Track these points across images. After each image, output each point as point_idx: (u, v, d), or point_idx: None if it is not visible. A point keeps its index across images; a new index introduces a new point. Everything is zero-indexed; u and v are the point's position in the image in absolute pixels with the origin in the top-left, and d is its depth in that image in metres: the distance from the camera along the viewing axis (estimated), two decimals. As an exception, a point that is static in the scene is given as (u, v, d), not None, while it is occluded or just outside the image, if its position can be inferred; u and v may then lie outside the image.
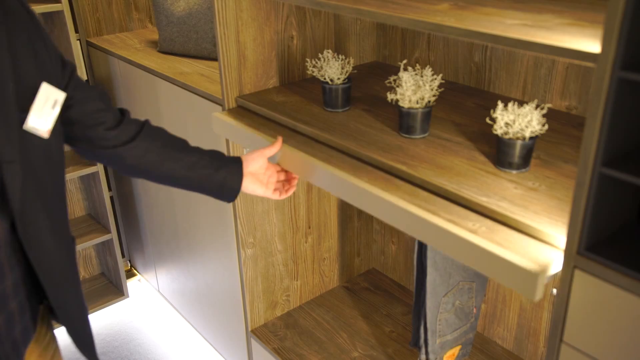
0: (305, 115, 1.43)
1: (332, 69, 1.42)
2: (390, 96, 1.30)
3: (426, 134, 1.29)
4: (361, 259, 2.14)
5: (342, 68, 1.43)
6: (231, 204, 1.72)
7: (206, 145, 1.77)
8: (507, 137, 1.10)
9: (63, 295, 1.04)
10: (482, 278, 1.52)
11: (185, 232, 2.12)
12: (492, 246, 0.93)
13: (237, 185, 1.26)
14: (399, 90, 1.27)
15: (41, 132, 0.95)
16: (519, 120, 1.09)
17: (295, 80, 1.70)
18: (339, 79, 1.42)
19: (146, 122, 1.20)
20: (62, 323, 1.06)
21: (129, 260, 2.78)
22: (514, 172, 1.12)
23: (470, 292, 1.52)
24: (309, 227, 1.92)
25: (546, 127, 1.11)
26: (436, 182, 1.09)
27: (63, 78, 1.03)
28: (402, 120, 1.28)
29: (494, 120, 1.13)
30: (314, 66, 1.48)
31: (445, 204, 1.06)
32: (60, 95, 0.98)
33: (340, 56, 1.47)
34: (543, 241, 0.94)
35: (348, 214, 2.01)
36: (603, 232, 0.84)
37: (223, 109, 1.61)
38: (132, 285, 2.69)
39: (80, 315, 1.11)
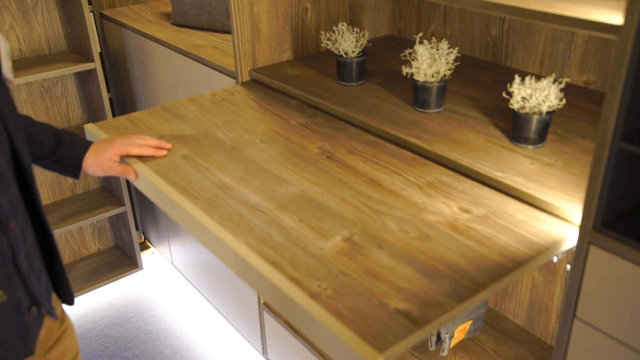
0: (319, 89, 1.42)
1: (347, 42, 1.40)
2: (405, 70, 1.28)
3: (441, 109, 1.28)
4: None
5: (357, 41, 1.42)
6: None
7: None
8: (523, 111, 1.08)
9: (61, 259, 1.07)
10: None
11: (199, 205, 2.13)
12: (330, 319, 0.75)
13: (74, 172, 1.20)
14: (414, 63, 1.25)
15: (8, 83, 0.95)
16: (536, 95, 1.07)
17: (309, 54, 1.69)
18: (353, 52, 1.40)
19: None
20: (63, 282, 1.09)
21: (143, 233, 2.81)
22: (530, 147, 1.10)
23: None
24: (322, 202, 1.92)
25: (563, 101, 1.10)
26: (451, 157, 1.08)
27: None
28: (417, 94, 1.27)
29: (510, 94, 1.12)
30: (329, 39, 1.46)
31: (295, 258, 0.88)
32: (6, 45, 0.99)
33: (355, 29, 1.46)
34: (558, 217, 0.93)
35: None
36: (619, 208, 0.84)
37: (237, 82, 1.60)
38: (146, 257, 2.72)
39: (58, 262, 1.11)
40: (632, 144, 0.75)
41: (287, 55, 1.65)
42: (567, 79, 1.17)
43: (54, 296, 1.08)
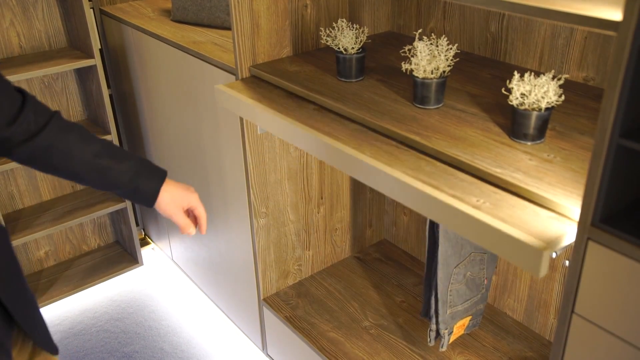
0: (319, 85, 1.42)
1: (346, 39, 1.40)
2: (404, 66, 1.28)
3: (440, 105, 1.28)
4: (373, 230, 2.15)
5: (357, 37, 1.42)
6: (243, 175, 1.73)
7: (222, 116, 1.77)
8: (522, 108, 1.08)
9: (8, 290, 0.99)
10: None
11: (199, 201, 2.13)
12: (496, 222, 0.92)
13: (147, 203, 1.14)
14: (413, 60, 1.25)
15: None
16: (535, 91, 1.07)
17: (309, 50, 1.69)
18: (353, 48, 1.41)
19: (55, 115, 1.04)
20: (14, 316, 1.01)
21: (143, 229, 2.81)
22: (529, 143, 1.11)
23: (482, 263, 1.52)
24: (321, 198, 1.92)
25: (562, 98, 1.10)
26: (450, 153, 1.09)
27: None
28: (417, 91, 1.27)
29: (509, 90, 1.12)
30: (328, 35, 1.46)
31: (449, 179, 1.05)
32: None
33: (354, 25, 1.46)
34: (557, 213, 0.94)
35: (360, 184, 2.01)
36: (618, 205, 0.84)
37: (237, 79, 1.60)
38: (146, 253, 2.72)
39: (29, 309, 1.06)
40: (631, 140, 0.75)
41: (286, 51, 1.65)
42: (566, 76, 1.18)
43: (19, 339, 1.05)
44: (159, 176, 1.14)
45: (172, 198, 1.16)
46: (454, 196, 0.99)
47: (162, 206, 1.16)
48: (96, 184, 1.09)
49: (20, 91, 1.01)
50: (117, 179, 1.08)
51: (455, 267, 1.45)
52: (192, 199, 1.20)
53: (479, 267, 1.52)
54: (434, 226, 1.40)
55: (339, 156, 1.19)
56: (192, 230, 1.20)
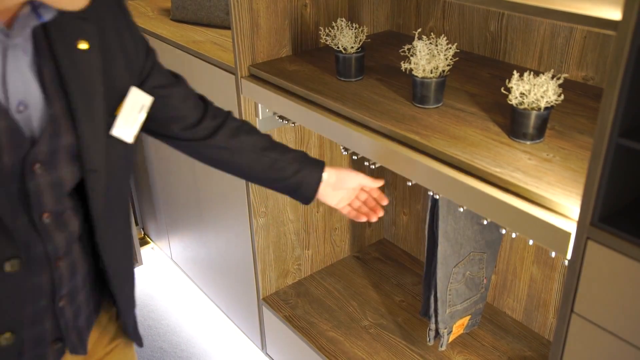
0: (318, 85, 1.42)
1: (346, 38, 1.40)
2: (404, 65, 1.28)
3: (440, 104, 1.28)
4: (372, 229, 2.15)
5: (356, 37, 1.42)
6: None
7: (218, 115, 1.77)
8: (522, 107, 1.08)
9: (124, 292, 1.04)
10: (493, 248, 1.52)
11: (198, 201, 2.13)
12: (528, 207, 0.96)
13: (311, 193, 1.19)
14: (413, 59, 1.25)
15: (126, 138, 0.90)
16: (534, 91, 1.07)
17: (308, 49, 1.69)
18: (352, 47, 1.40)
19: (228, 116, 1.13)
20: (122, 315, 1.06)
21: (142, 229, 2.81)
22: (528, 142, 1.11)
23: (481, 263, 1.52)
24: (321, 197, 1.92)
25: (562, 97, 1.10)
26: (449, 153, 1.09)
27: (144, 69, 0.96)
28: (416, 90, 1.27)
29: (509, 90, 1.12)
30: (327, 35, 1.46)
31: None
32: (147, 100, 0.93)
33: (353, 25, 1.45)
34: (556, 212, 0.94)
35: (360, 184, 2.01)
36: (617, 204, 0.84)
37: (236, 78, 1.60)
38: (145, 253, 2.72)
39: (133, 307, 1.11)
40: (630, 139, 0.75)
41: (286, 50, 1.65)
42: (565, 75, 1.17)
43: (103, 322, 1.06)
44: (320, 165, 1.19)
45: (334, 185, 1.20)
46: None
47: (323, 197, 1.21)
48: (264, 178, 1.16)
49: (202, 98, 1.11)
50: (284, 171, 1.15)
51: (454, 267, 1.45)
52: (357, 180, 1.22)
53: (478, 266, 1.52)
54: (433, 225, 1.40)
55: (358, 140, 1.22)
56: (363, 219, 1.24)
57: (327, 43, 1.45)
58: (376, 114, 1.26)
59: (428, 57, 1.24)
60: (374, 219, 1.27)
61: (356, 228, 2.09)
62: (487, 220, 1.21)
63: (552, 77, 1.10)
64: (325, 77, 1.47)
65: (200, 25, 2.08)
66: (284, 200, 1.83)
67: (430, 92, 1.25)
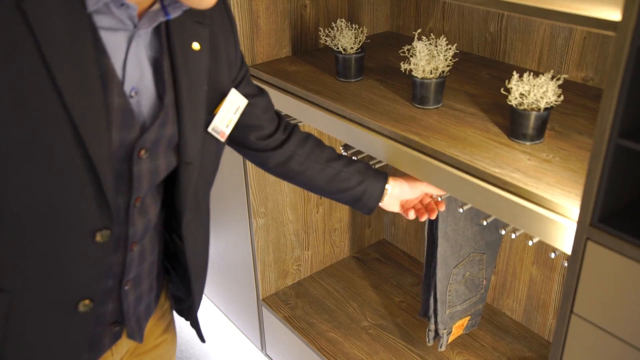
0: (318, 85, 1.42)
1: (346, 39, 1.40)
2: (403, 66, 1.28)
3: (439, 105, 1.28)
4: (372, 230, 2.15)
5: (356, 38, 1.42)
6: (242, 174, 1.73)
7: (218, 115, 1.77)
8: (521, 108, 1.08)
9: (198, 284, 1.07)
10: (493, 249, 1.52)
11: (197, 201, 2.13)
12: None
13: (374, 204, 1.21)
14: (412, 60, 1.25)
15: (220, 136, 0.96)
16: (534, 91, 1.07)
17: (308, 50, 1.69)
18: (352, 48, 1.41)
19: (295, 128, 1.18)
20: (194, 308, 1.10)
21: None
22: (528, 143, 1.11)
23: (481, 264, 1.52)
24: (320, 198, 1.92)
25: (561, 98, 1.10)
26: (449, 153, 1.09)
27: (238, 76, 1.02)
28: (416, 91, 1.27)
29: (508, 90, 1.12)
30: (327, 35, 1.46)
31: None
32: (243, 102, 1.00)
33: (353, 25, 1.46)
34: (556, 213, 0.94)
35: (359, 185, 2.01)
36: (616, 204, 0.84)
37: (235, 79, 1.60)
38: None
39: (200, 302, 1.14)
40: (630, 140, 0.75)
41: (286, 51, 1.65)
42: (565, 76, 1.17)
43: (158, 314, 1.09)
44: (383, 176, 1.20)
45: (398, 195, 1.21)
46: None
47: (387, 206, 1.22)
48: (328, 188, 1.18)
49: (277, 113, 1.16)
50: (347, 181, 1.17)
51: (454, 268, 1.45)
52: (421, 189, 1.23)
53: (478, 267, 1.52)
54: (432, 226, 1.40)
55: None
56: (412, 217, 1.25)
57: (327, 44, 1.45)
58: (376, 114, 1.26)
59: (428, 58, 1.24)
60: (425, 217, 1.25)
61: (356, 229, 2.09)
62: (486, 221, 1.21)
63: (552, 78, 1.10)
64: (325, 77, 1.47)
65: (200, 25, 2.08)
66: (284, 200, 1.83)
67: (430, 92, 1.25)
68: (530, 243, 1.06)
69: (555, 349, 0.95)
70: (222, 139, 0.97)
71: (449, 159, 1.09)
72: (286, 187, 1.81)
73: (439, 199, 1.25)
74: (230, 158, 1.78)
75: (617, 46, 0.72)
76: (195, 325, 1.16)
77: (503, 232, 1.14)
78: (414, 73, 1.25)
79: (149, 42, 0.82)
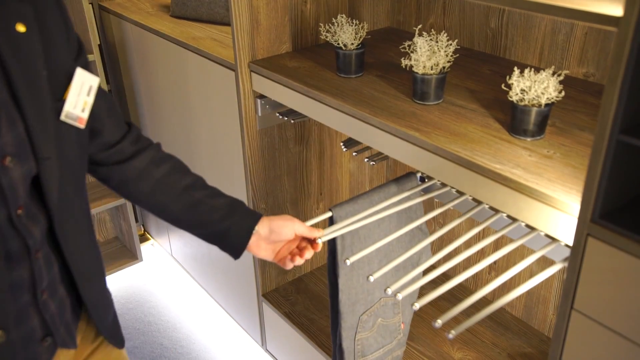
0: (318, 81, 1.42)
1: (346, 34, 1.40)
2: (404, 62, 1.28)
3: (440, 101, 1.28)
4: (372, 226, 2.15)
5: (356, 33, 1.41)
6: (243, 168, 1.72)
7: (218, 110, 1.77)
8: (522, 103, 1.08)
9: (92, 289, 0.99)
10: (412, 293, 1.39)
11: (198, 197, 2.13)
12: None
13: (239, 244, 1.07)
14: (413, 55, 1.25)
15: (78, 123, 0.87)
16: (535, 87, 1.07)
17: (308, 46, 1.69)
18: (352, 44, 1.40)
19: (152, 146, 1.06)
20: (91, 314, 1.00)
21: (143, 225, 2.81)
22: (529, 139, 1.11)
23: (396, 308, 1.42)
24: (321, 194, 1.92)
25: (562, 94, 1.10)
26: (449, 149, 1.08)
27: (78, 62, 0.90)
28: (416, 87, 1.27)
29: (509, 86, 1.12)
30: (328, 31, 1.46)
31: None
32: (94, 81, 0.89)
33: (354, 21, 1.45)
34: (557, 209, 0.94)
35: (360, 180, 2.01)
36: (617, 201, 0.84)
37: (236, 74, 1.60)
38: (145, 249, 2.72)
39: (107, 306, 1.05)
40: (631, 136, 0.75)
41: (286, 47, 1.64)
42: (566, 71, 1.17)
43: (84, 319, 1.03)
44: (254, 217, 1.08)
45: (267, 238, 1.08)
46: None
47: (255, 250, 1.09)
48: (186, 219, 1.05)
49: (128, 123, 1.04)
50: (208, 215, 1.05)
51: (363, 314, 1.34)
52: (293, 230, 1.10)
53: (392, 311, 1.40)
54: (335, 269, 1.29)
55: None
56: (290, 265, 1.10)
57: (327, 39, 1.44)
58: (376, 110, 1.25)
59: (428, 54, 1.24)
60: (297, 262, 1.10)
61: (356, 225, 2.09)
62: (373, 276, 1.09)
63: (553, 74, 1.10)
64: (325, 73, 1.47)
65: (200, 21, 2.07)
66: (284, 196, 1.82)
67: (431, 88, 1.25)
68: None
69: (555, 344, 0.95)
70: (82, 126, 0.87)
71: (450, 154, 1.08)
72: (286, 183, 1.81)
73: (317, 241, 1.12)
74: (231, 152, 1.78)
75: (619, 42, 0.71)
76: (107, 333, 1.05)
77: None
78: (414, 69, 1.25)
79: None
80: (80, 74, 0.87)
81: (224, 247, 1.09)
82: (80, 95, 0.87)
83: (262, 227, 1.08)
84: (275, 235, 1.09)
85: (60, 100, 0.84)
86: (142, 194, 1.04)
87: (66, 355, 0.97)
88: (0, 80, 0.75)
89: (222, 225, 1.06)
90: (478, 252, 1.74)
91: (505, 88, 1.19)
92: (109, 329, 1.05)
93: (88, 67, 0.92)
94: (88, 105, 0.88)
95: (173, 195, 1.04)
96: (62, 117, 0.85)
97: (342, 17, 1.46)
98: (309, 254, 1.11)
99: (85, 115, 0.88)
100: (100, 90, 0.94)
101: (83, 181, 0.94)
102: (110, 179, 1.03)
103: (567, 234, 0.93)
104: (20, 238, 0.81)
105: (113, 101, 1.02)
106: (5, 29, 0.75)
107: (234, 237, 1.07)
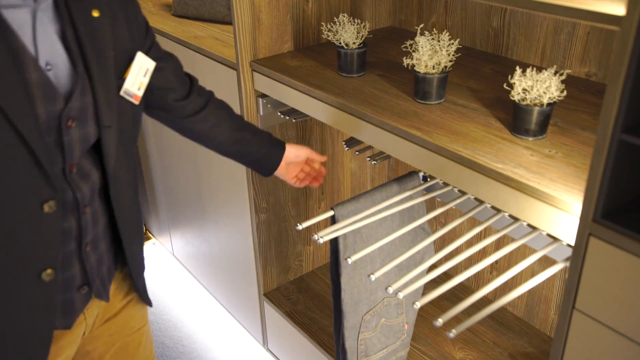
0: (320, 80, 1.42)
1: (348, 34, 1.40)
2: (406, 61, 1.28)
3: (442, 100, 1.28)
4: (374, 226, 2.15)
5: (358, 32, 1.41)
6: (244, 170, 1.73)
7: (220, 110, 1.77)
8: (524, 103, 1.08)
9: (132, 247, 1.11)
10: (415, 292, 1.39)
11: (200, 196, 2.13)
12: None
13: (275, 165, 1.35)
14: (415, 55, 1.25)
15: (133, 99, 1.01)
16: (537, 86, 1.07)
17: (310, 45, 1.69)
18: (354, 43, 1.40)
19: (211, 96, 1.26)
20: (130, 269, 1.13)
21: (144, 224, 2.82)
22: (531, 139, 1.10)
23: (400, 307, 1.41)
24: (322, 193, 1.92)
25: (564, 93, 1.10)
26: (451, 149, 1.08)
27: (146, 41, 1.07)
28: (418, 86, 1.27)
29: (511, 86, 1.12)
30: (329, 30, 1.46)
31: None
32: (151, 65, 1.04)
33: (355, 20, 1.45)
34: (558, 208, 0.93)
35: (361, 180, 2.01)
36: (619, 200, 0.84)
37: (238, 74, 1.60)
38: (147, 248, 2.73)
39: (142, 267, 1.19)
40: (633, 135, 0.75)
41: (288, 46, 1.64)
42: (568, 71, 1.17)
43: (119, 277, 1.14)
44: (282, 143, 1.36)
45: (289, 159, 1.37)
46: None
47: (279, 170, 1.37)
48: (234, 151, 1.30)
49: (188, 75, 1.22)
50: (252, 147, 1.30)
51: (366, 314, 1.34)
52: (305, 153, 1.39)
53: (396, 312, 1.40)
54: (337, 269, 1.30)
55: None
56: (305, 184, 1.44)
57: (329, 38, 1.44)
58: (378, 109, 1.25)
59: (430, 53, 1.24)
60: (315, 184, 1.48)
61: (357, 224, 2.09)
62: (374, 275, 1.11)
63: (555, 73, 1.10)
64: (327, 72, 1.47)
65: (202, 20, 2.07)
66: (286, 196, 1.82)
67: (432, 88, 1.25)
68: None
69: (556, 344, 0.95)
70: (136, 102, 1.02)
71: (452, 154, 1.08)
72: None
73: (323, 171, 1.42)
74: (232, 153, 1.78)
75: (621, 41, 0.71)
76: (141, 290, 1.19)
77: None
78: (416, 68, 1.25)
79: (53, 16, 0.87)
80: (140, 58, 1.01)
81: (258, 168, 1.36)
82: (138, 76, 1.01)
83: (289, 152, 1.36)
84: (293, 157, 1.37)
85: (121, 79, 0.99)
86: (205, 135, 1.26)
87: (97, 306, 1.09)
88: (79, 57, 0.90)
89: (260, 153, 1.32)
90: (479, 251, 1.74)
91: (507, 87, 1.19)
92: (142, 287, 1.19)
93: (155, 46, 1.10)
94: (143, 85, 1.03)
95: (228, 135, 1.27)
96: (121, 93, 0.98)
97: (344, 16, 1.45)
98: (322, 180, 1.47)
99: (140, 93, 1.02)
100: (166, 54, 1.14)
101: (134, 150, 1.07)
102: (184, 128, 1.24)
103: (568, 233, 0.93)
104: (71, 191, 0.93)
105: (178, 61, 1.19)
106: (84, 13, 0.90)
107: (268, 161, 1.34)
